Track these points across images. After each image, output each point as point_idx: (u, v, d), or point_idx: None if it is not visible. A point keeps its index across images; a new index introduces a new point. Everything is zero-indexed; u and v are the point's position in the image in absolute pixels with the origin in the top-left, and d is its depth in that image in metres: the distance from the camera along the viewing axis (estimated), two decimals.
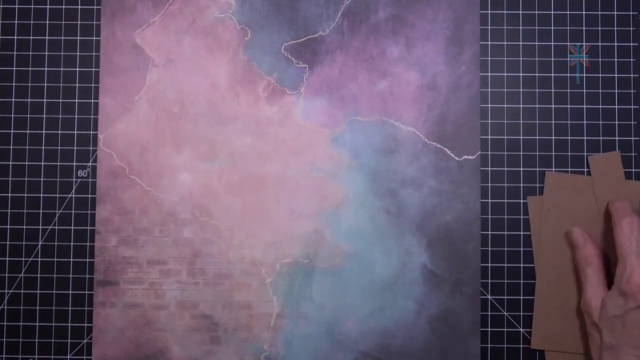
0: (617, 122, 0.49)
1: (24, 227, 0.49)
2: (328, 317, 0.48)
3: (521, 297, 0.48)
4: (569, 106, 0.49)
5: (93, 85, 0.49)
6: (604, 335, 0.43)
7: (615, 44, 0.49)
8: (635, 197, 0.47)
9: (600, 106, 0.49)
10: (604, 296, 0.44)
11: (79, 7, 0.50)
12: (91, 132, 0.49)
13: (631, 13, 0.49)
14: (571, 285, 0.47)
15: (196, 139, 0.49)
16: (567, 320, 0.47)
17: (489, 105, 0.49)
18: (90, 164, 0.49)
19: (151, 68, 0.49)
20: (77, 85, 0.49)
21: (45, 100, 0.49)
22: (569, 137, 0.49)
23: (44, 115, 0.49)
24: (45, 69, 0.49)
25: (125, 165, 0.49)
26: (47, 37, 0.49)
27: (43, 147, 0.49)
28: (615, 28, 0.49)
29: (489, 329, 0.48)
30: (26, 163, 0.49)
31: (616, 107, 0.49)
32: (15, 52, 0.49)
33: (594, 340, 0.44)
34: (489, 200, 0.49)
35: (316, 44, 0.49)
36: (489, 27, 0.49)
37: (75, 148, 0.49)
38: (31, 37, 0.49)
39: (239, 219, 0.48)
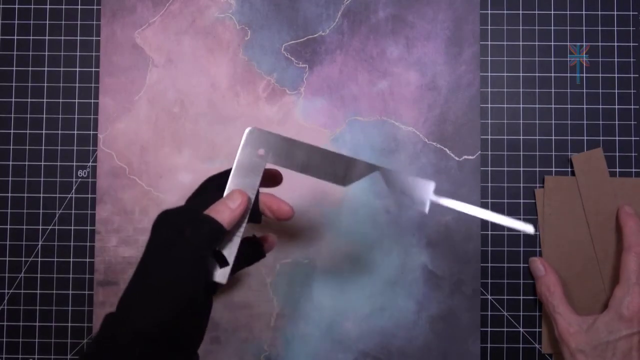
0: (617, 122, 0.49)
1: (24, 227, 0.49)
2: (328, 317, 0.48)
3: (521, 297, 0.48)
4: (569, 106, 0.49)
5: (93, 85, 0.49)
6: None
7: (615, 44, 0.49)
8: (620, 193, 0.47)
9: (600, 106, 0.49)
10: (594, 320, 0.43)
11: (79, 7, 0.50)
12: (91, 132, 0.49)
13: (631, 13, 0.49)
14: (578, 289, 0.47)
15: (196, 139, 0.49)
16: None
17: (489, 105, 0.49)
18: (90, 164, 0.49)
19: (151, 68, 0.49)
20: (77, 85, 0.49)
21: (45, 100, 0.49)
22: (569, 137, 0.49)
23: (44, 115, 0.49)
24: (45, 69, 0.49)
25: (125, 165, 0.49)
26: (47, 37, 0.49)
27: (43, 147, 0.49)
28: (615, 28, 0.49)
29: (489, 329, 0.48)
30: (26, 163, 0.49)
31: (616, 107, 0.49)
32: (15, 52, 0.49)
33: None
34: (489, 200, 0.49)
35: (316, 44, 0.49)
36: (489, 27, 0.49)
37: (75, 148, 0.49)
38: (31, 37, 0.49)
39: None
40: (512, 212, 0.49)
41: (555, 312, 0.44)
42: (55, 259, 0.49)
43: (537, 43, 0.49)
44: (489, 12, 0.49)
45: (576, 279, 0.47)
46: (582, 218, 0.47)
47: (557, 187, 0.48)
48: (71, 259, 0.49)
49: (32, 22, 0.49)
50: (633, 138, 0.49)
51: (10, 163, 0.49)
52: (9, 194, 0.49)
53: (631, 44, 0.49)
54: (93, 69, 0.49)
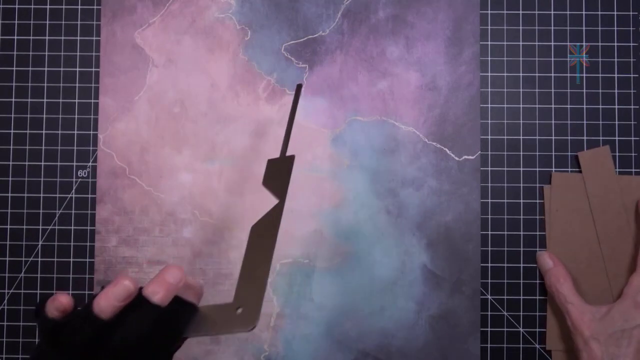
0: (617, 122, 0.49)
1: (24, 227, 0.49)
2: (328, 317, 0.48)
3: (521, 297, 0.48)
4: (569, 106, 0.49)
5: (93, 85, 0.49)
6: (606, 349, 0.41)
7: (615, 44, 0.49)
8: (627, 192, 0.47)
9: (600, 106, 0.49)
10: (608, 308, 0.43)
11: (79, 7, 0.50)
12: (91, 132, 0.49)
13: (631, 13, 0.49)
14: (583, 286, 0.47)
15: (196, 139, 0.49)
16: None
17: (489, 105, 0.49)
18: (90, 164, 0.49)
19: (151, 68, 0.49)
20: (77, 85, 0.49)
21: (45, 100, 0.49)
22: (569, 137, 0.49)
23: (44, 115, 0.49)
24: (45, 69, 0.49)
25: (125, 165, 0.49)
26: (47, 37, 0.49)
27: (43, 147, 0.49)
28: (615, 28, 0.49)
29: (489, 329, 0.48)
30: (26, 163, 0.49)
31: (616, 107, 0.49)
32: (15, 52, 0.49)
33: (590, 356, 0.42)
34: (489, 200, 0.49)
35: (316, 44, 0.49)
36: (489, 27, 0.49)
37: (75, 148, 0.49)
38: (31, 37, 0.49)
39: (239, 219, 0.48)
40: (512, 212, 0.49)
41: (567, 302, 0.44)
42: (55, 259, 0.49)
43: (537, 43, 0.49)
44: (489, 12, 0.49)
45: (581, 275, 0.47)
46: (589, 215, 0.47)
47: (564, 183, 0.48)
48: (71, 259, 0.49)
49: (32, 22, 0.49)
50: (633, 138, 0.49)
51: (10, 163, 0.49)
52: (9, 194, 0.49)
53: (631, 44, 0.49)
54: (93, 69, 0.49)
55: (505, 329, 0.48)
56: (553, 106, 0.49)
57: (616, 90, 0.49)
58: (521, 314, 0.48)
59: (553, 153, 0.49)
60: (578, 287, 0.47)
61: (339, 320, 0.48)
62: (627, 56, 0.49)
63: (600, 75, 0.49)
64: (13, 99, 0.49)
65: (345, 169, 0.49)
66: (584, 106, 0.49)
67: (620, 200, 0.47)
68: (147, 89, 0.49)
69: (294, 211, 0.48)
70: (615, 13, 0.49)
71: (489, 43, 0.49)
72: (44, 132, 0.49)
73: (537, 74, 0.49)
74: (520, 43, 0.49)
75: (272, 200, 0.38)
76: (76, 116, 0.49)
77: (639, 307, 0.42)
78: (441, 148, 0.49)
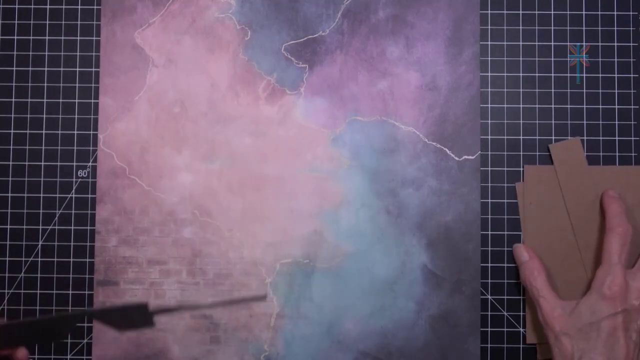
0: (617, 122, 0.49)
1: (24, 227, 0.49)
2: (328, 317, 0.48)
3: (521, 297, 0.48)
4: (569, 106, 0.49)
5: (93, 85, 0.49)
6: (576, 343, 0.41)
7: (615, 44, 0.49)
8: (599, 182, 0.47)
9: (600, 106, 0.49)
10: (577, 303, 0.43)
11: (79, 7, 0.50)
12: (91, 132, 0.49)
13: (631, 13, 0.49)
14: (560, 278, 0.47)
15: (196, 139, 0.49)
16: None
17: (489, 105, 0.49)
18: (90, 164, 0.49)
19: (151, 68, 0.49)
20: (77, 85, 0.49)
21: (45, 100, 0.49)
22: (569, 137, 0.49)
23: (44, 115, 0.49)
24: (45, 69, 0.49)
25: (125, 165, 0.49)
26: (47, 37, 0.49)
27: (43, 147, 0.49)
28: (615, 28, 0.49)
29: (489, 329, 0.48)
30: (26, 163, 0.49)
31: (616, 107, 0.49)
32: (15, 52, 0.49)
33: (561, 351, 0.42)
34: (489, 200, 0.49)
35: (316, 44, 0.49)
36: (489, 27, 0.49)
37: (75, 148, 0.49)
38: (31, 37, 0.49)
39: (239, 219, 0.48)
40: (512, 212, 0.49)
41: (540, 296, 0.44)
42: (55, 259, 0.49)
43: (537, 43, 0.49)
44: (489, 12, 0.49)
45: (558, 267, 0.47)
46: (563, 207, 0.47)
47: (537, 176, 0.48)
48: (71, 259, 0.49)
49: (32, 22, 0.49)
50: (633, 138, 0.49)
51: (10, 163, 0.49)
52: (9, 194, 0.49)
53: (631, 44, 0.49)
54: (93, 69, 0.49)
55: (505, 329, 0.48)
56: (553, 106, 0.49)
57: (616, 90, 0.49)
58: (521, 314, 0.48)
59: None
60: (555, 280, 0.47)
61: (339, 320, 0.48)
62: (627, 56, 0.49)
63: (600, 75, 0.49)
64: (13, 99, 0.49)
65: (345, 169, 0.49)
66: (584, 106, 0.49)
67: (593, 191, 0.47)
68: (147, 89, 0.49)
69: (294, 211, 0.48)
70: (615, 13, 0.49)
71: (489, 43, 0.49)
72: (44, 132, 0.49)
73: (537, 74, 0.49)
74: (520, 43, 0.49)
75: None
76: (76, 116, 0.49)
77: (605, 299, 0.42)
78: (441, 148, 0.49)
